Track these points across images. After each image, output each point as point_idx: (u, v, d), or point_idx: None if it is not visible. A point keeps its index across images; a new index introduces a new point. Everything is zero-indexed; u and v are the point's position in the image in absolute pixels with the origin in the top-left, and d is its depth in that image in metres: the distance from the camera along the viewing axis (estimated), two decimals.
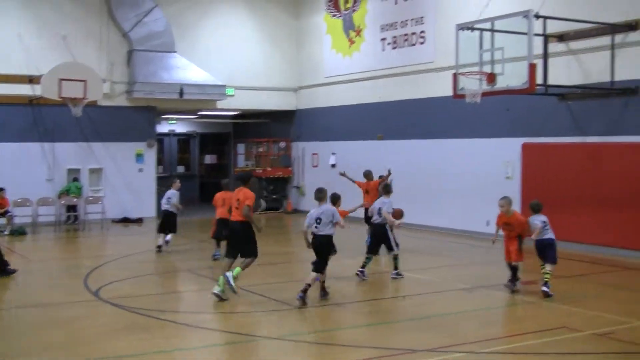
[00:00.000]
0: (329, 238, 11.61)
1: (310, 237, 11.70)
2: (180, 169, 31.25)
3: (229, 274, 11.64)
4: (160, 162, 28.44)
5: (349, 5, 24.37)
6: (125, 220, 23.54)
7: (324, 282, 11.85)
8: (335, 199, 12.04)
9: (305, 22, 26.77)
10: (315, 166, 26.11)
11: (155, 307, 11.38)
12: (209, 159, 31.95)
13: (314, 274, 11.51)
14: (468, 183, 19.33)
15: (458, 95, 15.96)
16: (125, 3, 23.89)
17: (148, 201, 24.43)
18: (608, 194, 16.10)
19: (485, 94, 15.37)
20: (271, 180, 27.17)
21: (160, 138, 29.21)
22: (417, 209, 18.93)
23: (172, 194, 17.18)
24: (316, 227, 11.59)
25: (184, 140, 31.62)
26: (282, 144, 27.69)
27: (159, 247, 16.97)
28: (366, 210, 16.10)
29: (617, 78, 15.79)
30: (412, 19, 21.68)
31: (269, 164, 27.46)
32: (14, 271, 13.94)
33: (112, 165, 23.74)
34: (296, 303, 11.26)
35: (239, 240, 11.90)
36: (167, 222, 17.14)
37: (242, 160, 29.95)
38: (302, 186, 26.76)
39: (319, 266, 11.56)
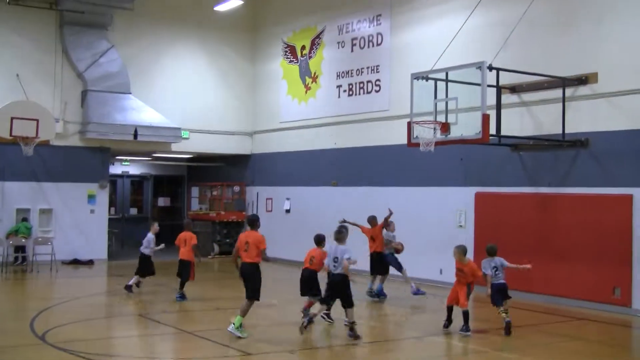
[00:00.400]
0: (344, 277, 12.12)
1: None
2: (133, 211, 30.91)
3: (231, 328, 11.92)
4: (112, 203, 28.13)
5: (305, 52, 24.58)
6: (76, 262, 23.12)
7: (353, 322, 12.12)
8: (320, 240, 13.09)
9: (262, 67, 26.91)
10: (270, 211, 26.03)
11: (104, 352, 11.16)
12: (162, 201, 31.67)
13: (320, 306, 12.46)
14: (421, 231, 19.39)
15: (412, 144, 16.07)
16: (81, 43, 23.78)
17: (99, 243, 24.05)
18: (559, 245, 16.29)
19: (439, 143, 15.49)
20: (225, 224, 27.01)
21: (114, 179, 28.93)
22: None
23: (149, 239, 17.19)
24: (334, 266, 12.23)
25: (137, 182, 31.34)
26: (236, 188, 27.61)
27: (129, 287, 16.82)
28: (372, 259, 16.26)
29: (568, 130, 16.09)
30: (367, 67, 21.93)
31: (222, 207, 27.31)
32: None
33: (63, 206, 23.38)
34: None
35: (247, 280, 12.24)
36: (142, 265, 17.11)
37: (195, 204, 29.78)
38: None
39: (348, 302, 12.14)
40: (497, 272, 12.71)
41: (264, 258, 12.34)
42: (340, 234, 12.50)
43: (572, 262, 16.00)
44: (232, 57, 26.95)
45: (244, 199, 27.43)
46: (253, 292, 12.18)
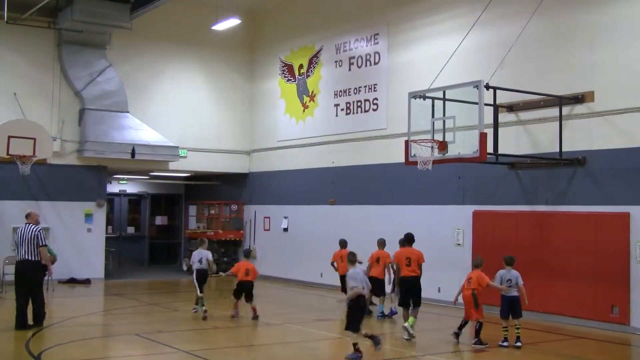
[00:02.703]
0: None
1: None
2: (130, 229, 30.86)
3: (406, 325, 13.67)
4: (109, 222, 28.07)
5: (303, 70, 24.64)
6: (72, 281, 23.02)
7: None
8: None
9: (260, 86, 26.96)
10: (267, 230, 26.00)
11: None
12: (159, 220, 31.60)
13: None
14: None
15: (410, 162, 16.08)
16: (78, 62, 23.82)
17: (96, 262, 23.97)
18: (557, 263, 16.27)
19: (436, 162, 15.51)
20: (222, 243, 26.96)
21: (111, 198, 28.90)
22: None
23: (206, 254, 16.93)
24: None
25: (134, 200, 31.30)
26: (234, 207, 27.57)
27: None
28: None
29: (565, 149, 16.11)
30: (365, 86, 21.97)
31: (220, 226, 27.27)
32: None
33: (60, 225, 23.30)
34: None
35: (414, 292, 14.02)
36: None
37: (193, 222, 29.73)
38: (253, 249, 26.57)
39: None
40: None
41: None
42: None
43: (570, 280, 15.98)
44: (230, 75, 27.01)
45: (241, 217, 27.40)
46: (419, 301, 14.07)
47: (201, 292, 16.41)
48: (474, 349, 13.00)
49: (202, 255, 16.62)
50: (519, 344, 13.05)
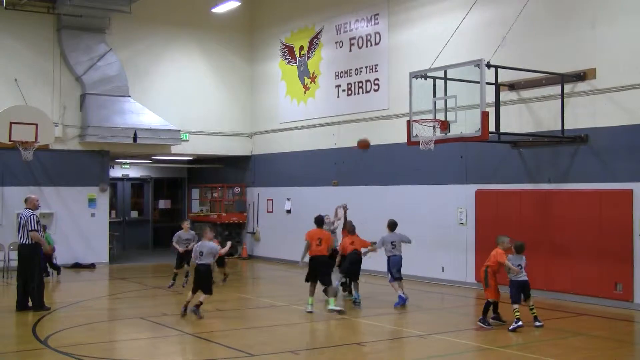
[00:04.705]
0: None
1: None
2: (134, 214, 30.90)
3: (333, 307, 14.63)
4: (113, 206, 28.12)
5: (303, 52, 24.57)
6: (77, 266, 23.10)
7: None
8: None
9: (261, 68, 26.90)
10: (270, 212, 26.04)
11: (107, 356, 11.16)
12: (162, 203, 31.65)
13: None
14: (422, 229, 19.34)
15: (412, 142, 16.08)
16: (79, 47, 23.78)
17: (100, 246, 24.03)
18: (560, 240, 16.30)
19: (439, 141, 15.50)
20: (226, 226, 27.00)
21: (114, 182, 28.93)
22: (371, 255, 18.86)
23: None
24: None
25: (137, 184, 31.33)
26: (237, 189, 27.61)
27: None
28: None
29: (567, 126, 16.08)
30: (366, 67, 21.92)
31: (223, 209, 27.31)
32: (47, 308, 14.87)
33: (64, 210, 23.36)
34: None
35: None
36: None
37: (196, 206, 29.79)
38: (257, 232, 26.62)
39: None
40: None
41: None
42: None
43: (573, 258, 16.01)
44: (231, 58, 26.95)
45: (244, 200, 27.43)
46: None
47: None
48: (476, 327, 13.02)
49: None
50: (538, 323, 13.00)
